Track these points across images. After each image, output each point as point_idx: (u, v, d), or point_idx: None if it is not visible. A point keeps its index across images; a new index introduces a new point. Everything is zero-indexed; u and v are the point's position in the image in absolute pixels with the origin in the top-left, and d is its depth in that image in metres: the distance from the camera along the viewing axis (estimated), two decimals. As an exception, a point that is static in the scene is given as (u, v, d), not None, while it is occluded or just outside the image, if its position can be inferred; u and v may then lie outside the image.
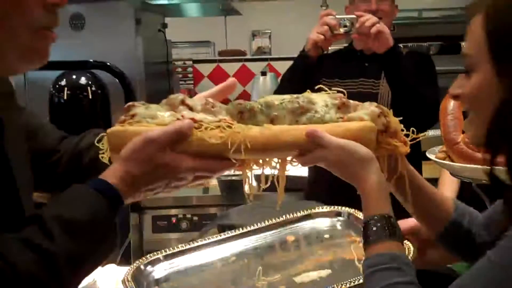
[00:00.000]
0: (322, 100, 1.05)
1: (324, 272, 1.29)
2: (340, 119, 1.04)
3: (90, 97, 2.24)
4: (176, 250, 1.40)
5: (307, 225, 1.49)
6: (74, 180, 0.97)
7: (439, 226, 1.19)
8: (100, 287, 1.55)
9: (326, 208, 1.52)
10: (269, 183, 1.06)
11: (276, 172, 1.06)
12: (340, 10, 2.31)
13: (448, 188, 2.15)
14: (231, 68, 4.95)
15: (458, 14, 4.20)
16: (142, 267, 1.33)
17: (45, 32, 0.92)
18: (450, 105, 1.37)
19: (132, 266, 1.32)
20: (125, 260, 2.42)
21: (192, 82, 4.92)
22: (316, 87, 1.13)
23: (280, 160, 1.06)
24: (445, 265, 1.45)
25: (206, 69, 4.98)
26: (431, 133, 2.16)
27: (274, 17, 4.93)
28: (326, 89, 1.10)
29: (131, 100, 1.30)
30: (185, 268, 1.37)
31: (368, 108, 1.04)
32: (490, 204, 1.26)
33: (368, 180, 0.98)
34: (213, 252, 1.41)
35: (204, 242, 1.43)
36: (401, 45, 2.28)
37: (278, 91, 2.29)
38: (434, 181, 2.17)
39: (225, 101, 1.10)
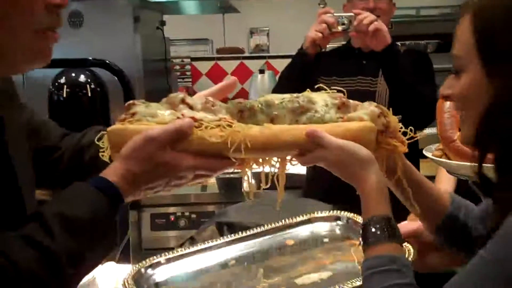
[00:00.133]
0: (322, 99, 1.05)
1: (325, 274, 1.29)
2: (340, 119, 1.04)
3: (90, 94, 2.25)
4: (177, 253, 1.40)
5: (306, 229, 1.49)
6: (76, 177, 0.97)
7: (436, 220, 1.20)
8: (99, 284, 1.56)
9: (325, 213, 1.51)
10: (269, 184, 1.06)
11: (275, 170, 1.06)
12: (338, 8, 2.31)
13: (445, 185, 2.16)
14: (229, 66, 4.95)
15: (456, 12, 4.20)
16: (142, 270, 1.33)
17: (47, 32, 0.92)
18: (447, 103, 1.37)
19: (132, 269, 1.32)
20: (124, 258, 2.43)
21: (190, 79, 4.92)
22: (316, 86, 1.14)
23: (280, 160, 1.06)
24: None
25: (204, 66, 4.97)
26: (428, 131, 2.16)
27: (272, 15, 4.93)
28: (326, 88, 1.11)
29: (130, 98, 1.31)
30: (185, 272, 1.37)
31: (368, 108, 1.05)
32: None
33: (368, 181, 0.99)
34: (213, 256, 1.41)
35: (204, 246, 1.43)
36: (398, 43, 2.28)
37: (276, 89, 2.29)
38: (432, 179, 2.17)
39: (224, 100, 1.10)
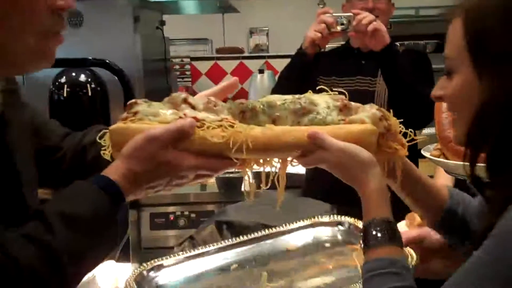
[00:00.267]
0: (324, 101, 1.06)
1: (328, 279, 1.29)
2: (341, 121, 1.04)
3: (90, 94, 2.26)
4: (179, 256, 1.39)
5: (308, 234, 1.49)
6: (78, 177, 0.97)
7: (436, 215, 1.21)
8: (99, 283, 1.56)
9: (327, 218, 1.51)
10: (269, 184, 1.06)
11: (276, 171, 1.06)
12: (337, 8, 2.32)
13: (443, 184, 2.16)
14: (228, 65, 4.96)
15: (449, 13, 4.20)
16: (145, 272, 1.33)
17: (50, 34, 0.92)
18: (445, 104, 1.38)
19: (134, 271, 1.32)
20: (124, 257, 2.43)
21: (190, 79, 4.93)
22: (318, 88, 1.14)
23: (281, 160, 1.06)
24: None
25: (203, 66, 4.98)
26: (426, 131, 2.17)
27: (272, 15, 4.94)
28: (328, 89, 1.11)
29: (130, 97, 1.31)
30: (188, 275, 1.37)
31: (369, 111, 1.05)
32: (483, 200, 1.28)
33: (368, 183, 0.99)
34: (215, 259, 1.41)
35: (206, 249, 1.42)
36: (397, 43, 2.29)
37: (275, 89, 2.30)
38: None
39: (223, 100, 1.10)
